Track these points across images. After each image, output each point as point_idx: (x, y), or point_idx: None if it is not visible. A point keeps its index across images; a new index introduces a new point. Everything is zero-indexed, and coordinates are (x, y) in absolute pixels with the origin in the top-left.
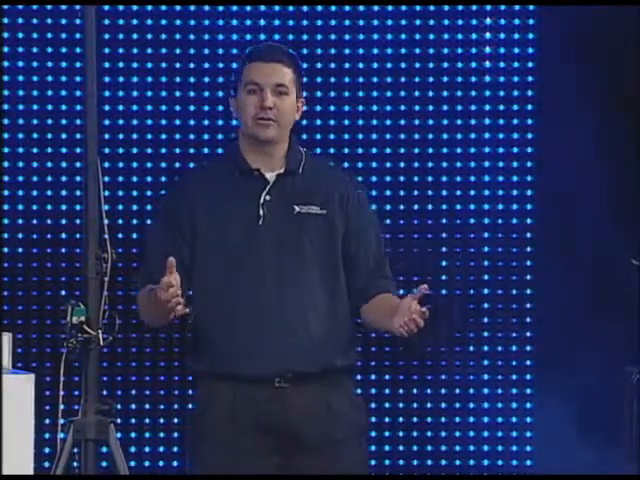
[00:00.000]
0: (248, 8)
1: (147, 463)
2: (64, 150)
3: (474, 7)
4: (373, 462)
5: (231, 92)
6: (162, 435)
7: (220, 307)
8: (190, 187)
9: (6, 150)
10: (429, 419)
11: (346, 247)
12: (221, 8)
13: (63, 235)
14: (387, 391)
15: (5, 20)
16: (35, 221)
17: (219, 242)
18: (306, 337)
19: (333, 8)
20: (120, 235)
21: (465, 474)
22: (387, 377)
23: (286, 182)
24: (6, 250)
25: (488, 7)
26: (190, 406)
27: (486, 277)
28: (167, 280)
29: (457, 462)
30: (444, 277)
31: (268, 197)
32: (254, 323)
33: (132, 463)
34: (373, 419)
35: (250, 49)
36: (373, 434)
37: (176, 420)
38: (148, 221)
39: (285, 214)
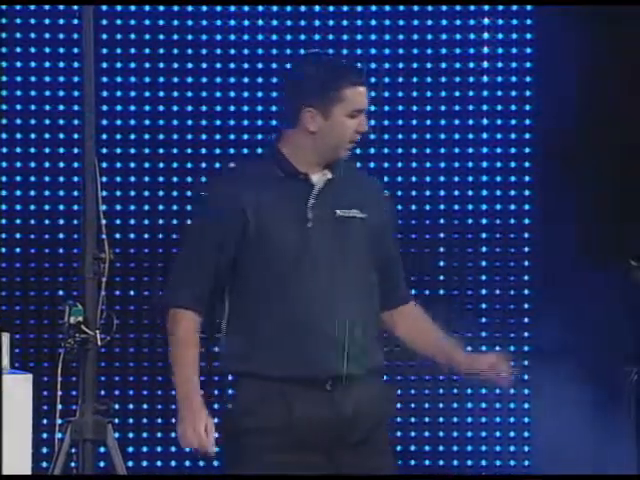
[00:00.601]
0: (246, 8)
1: (145, 463)
2: (62, 150)
3: (472, 7)
4: None
5: (310, 102)
6: (160, 435)
7: (271, 308)
8: (236, 187)
9: (4, 150)
10: (427, 419)
11: (380, 251)
12: (219, 8)
13: (61, 235)
14: None
15: (3, 20)
16: (33, 221)
17: (269, 243)
18: (355, 340)
19: (331, 8)
20: (118, 235)
21: (463, 474)
22: (385, 377)
23: (330, 186)
24: (4, 250)
25: (486, 7)
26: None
27: (484, 277)
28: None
29: (455, 462)
30: (442, 277)
31: (314, 201)
32: (303, 326)
33: (130, 463)
34: None
35: (343, 70)
36: None
37: (174, 420)
38: (146, 221)
39: (329, 217)
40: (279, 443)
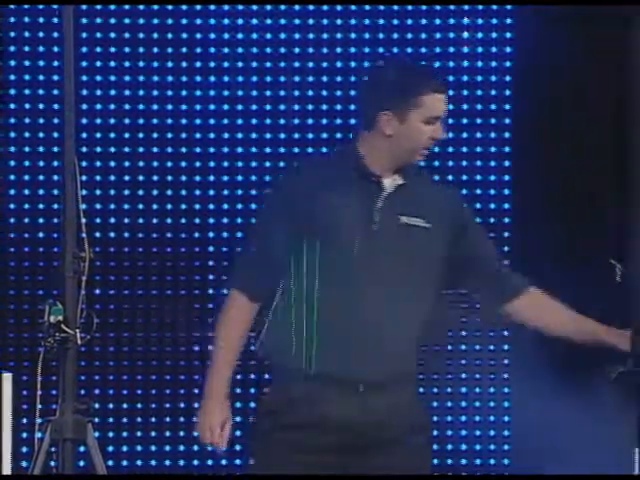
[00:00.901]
0: (226, 7)
1: (125, 462)
2: (41, 149)
3: (452, 7)
4: None
5: (388, 106)
6: (140, 434)
7: (321, 306)
8: (308, 185)
9: None
10: None
11: (465, 251)
12: (198, 7)
13: (41, 234)
14: None
15: None
16: (13, 220)
17: (334, 241)
18: (398, 348)
19: (311, 7)
20: (98, 234)
21: (443, 474)
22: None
23: (400, 192)
24: None
25: (466, 7)
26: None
27: None
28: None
29: (435, 461)
30: None
31: (381, 204)
32: (352, 326)
33: (110, 462)
34: None
35: (423, 77)
36: None
37: (154, 419)
38: (126, 220)
39: (393, 223)
40: (305, 441)
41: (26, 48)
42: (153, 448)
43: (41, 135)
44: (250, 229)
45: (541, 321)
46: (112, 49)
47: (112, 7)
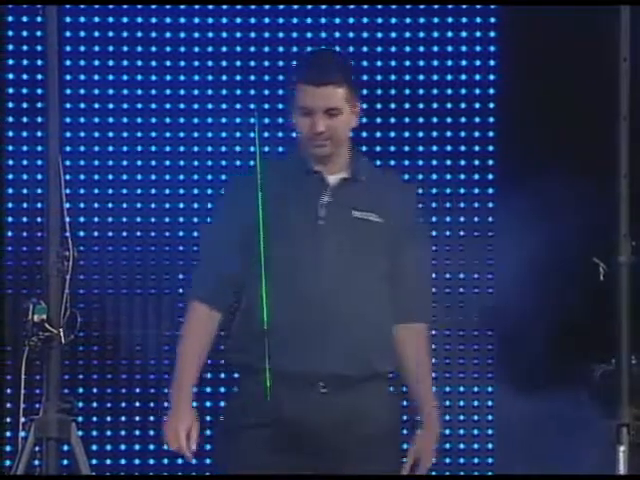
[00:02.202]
0: (210, 7)
1: (108, 461)
2: (25, 148)
3: (436, 6)
4: None
5: (288, 97)
6: (124, 433)
7: (275, 303)
8: (253, 187)
9: None
10: None
11: (395, 258)
12: (183, 7)
13: (24, 233)
14: None
15: None
16: None
17: (280, 240)
18: (354, 342)
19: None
20: (82, 233)
21: (431, 475)
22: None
23: (347, 187)
24: None
25: (450, 6)
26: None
27: (448, 276)
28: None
29: None
30: None
31: (327, 199)
32: (305, 322)
33: (94, 461)
34: None
35: (302, 65)
36: None
37: (138, 418)
38: (110, 219)
39: (343, 218)
40: (267, 442)
41: (9, 47)
42: (137, 447)
43: (24, 134)
44: (201, 238)
45: (399, 360)
46: (96, 48)
47: (96, 6)
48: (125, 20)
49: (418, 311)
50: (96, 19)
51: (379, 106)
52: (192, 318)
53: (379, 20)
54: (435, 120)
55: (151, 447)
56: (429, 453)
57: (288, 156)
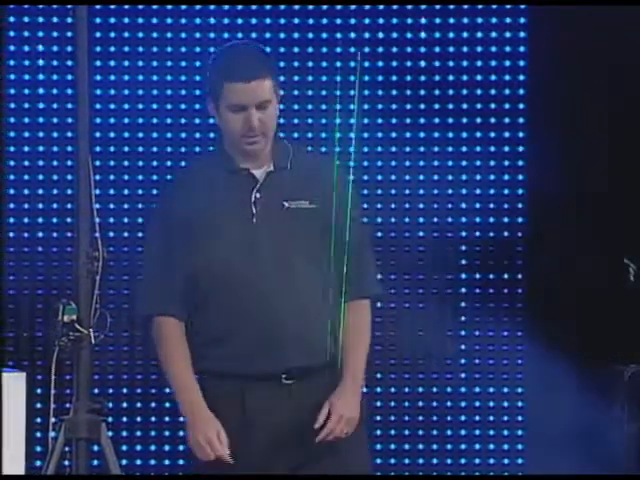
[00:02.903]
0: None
1: (138, 462)
2: (55, 149)
3: (465, 6)
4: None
5: (207, 98)
6: (153, 434)
7: (221, 307)
8: (183, 193)
9: None
10: (420, 417)
11: (336, 239)
12: (212, 7)
13: (54, 234)
14: (378, 390)
15: None
16: (26, 220)
17: (216, 242)
18: (307, 332)
19: (325, 7)
20: (112, 234)
21: (457, 475)
22: (379, 375)
23: (275, 178)
24: None
25: (479, 6)
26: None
27: (477, 276)
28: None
29: (448, 460)
30: (435, 277)
31: (258, 195)
32: (256, 320)
33: (124, 462)
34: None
35: (225, 65)
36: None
37: (167, 418)
38: (139, 220)
39: (275, 211)
40: (236, 443)
41: (40, 47)
42: (166, 447)
43: (55, 135)
44: (144, 254)
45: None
46: (126, 48)
47: (126, 7)
48: (154, 21)
49: (360, 287)
50: (126, 20)
51: (408, 107)
52: (166, 335)
53: (409, 20)
54: (465, 121)
55: (180, 447)
56: (347, 403)
57: (212, 156)
